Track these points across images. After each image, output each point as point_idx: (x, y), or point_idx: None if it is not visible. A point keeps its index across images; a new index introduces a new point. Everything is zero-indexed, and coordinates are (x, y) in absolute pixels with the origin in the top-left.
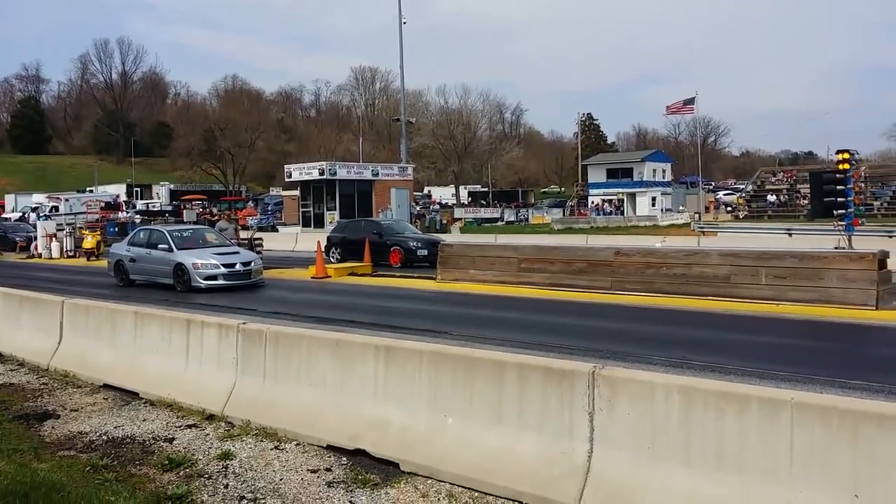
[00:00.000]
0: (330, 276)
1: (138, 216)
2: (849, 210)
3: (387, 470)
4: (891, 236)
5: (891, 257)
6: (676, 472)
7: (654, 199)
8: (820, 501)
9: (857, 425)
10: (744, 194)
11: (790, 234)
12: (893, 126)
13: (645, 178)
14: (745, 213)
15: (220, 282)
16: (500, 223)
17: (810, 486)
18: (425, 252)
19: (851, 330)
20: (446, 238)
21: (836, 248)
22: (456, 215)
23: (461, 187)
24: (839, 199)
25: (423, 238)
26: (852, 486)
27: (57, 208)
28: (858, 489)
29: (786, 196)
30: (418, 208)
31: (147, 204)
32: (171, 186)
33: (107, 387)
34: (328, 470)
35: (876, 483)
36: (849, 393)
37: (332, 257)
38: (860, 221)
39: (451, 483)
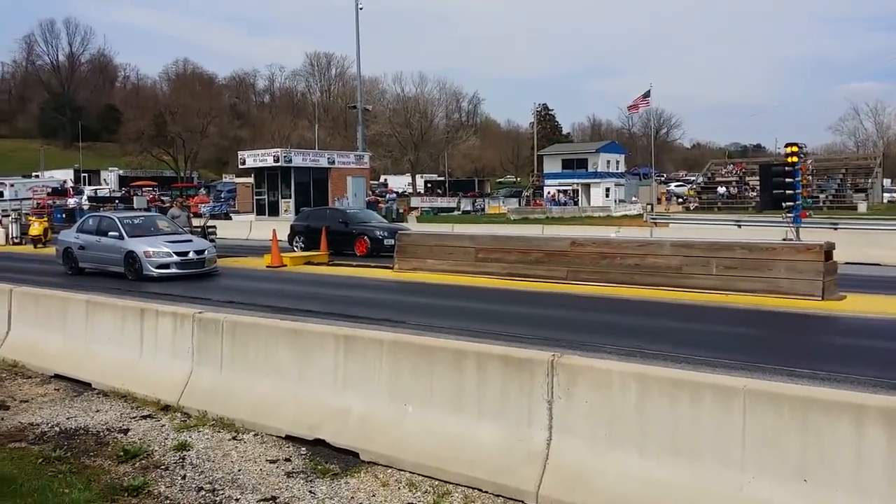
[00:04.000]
0: (286, 266)
1: (87, 202)
2: (797, 202)
3: (347, 459)
4: (836, 228)
5: (836, 249)
6: (632, 458)
7: (607, 189)
8: (771, 486)
9: (806, 412)
10: (695, 186)
11: (739, 226)
12: (839, 120)
13: (599, 169)
14: (696, 204)
15: (173, 270)
16: (456, 213)
17: (762, 471)
18: (392, 241)
19: (798, 319)
20: (409, 227)
21: (784, 239)
22: (412, 204)
23: (418, 176)
24: (787, 192)
25: (389, 227)
26: (801, 470)
27: (1, 194)
28: (807, 474)
29: (735, 188)
30: (370, 196)
31: (95, 190)
32: (121, 172)
33: (58, 377)
34: (287, 460)
35: (824, 468)
36: (796, 381)
37: (296, 246)
38: (808, 213)
39: (410, 472)
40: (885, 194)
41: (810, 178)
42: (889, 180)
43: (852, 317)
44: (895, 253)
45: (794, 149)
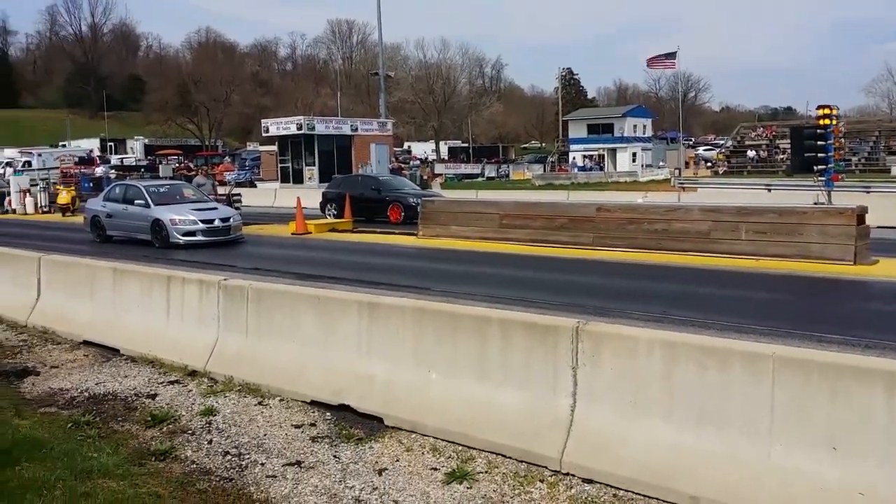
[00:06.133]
0: (310, 233)
1: (113, 171)
2: (829, 165)
3: (371, 424)
4: (868, 191)
5: (869, 212)
6: (658, 425)
7: (634, 154)
8: (800, 454)
9: (836, 379)
10: (723, 150)
11: (769, 190)
12: (872, 81)
13: (626, 134)
14: (725, 168)
15: (199, 238)
16: (480, 179)
17: (790, 438)
18: None
19: (830, 285)
20: (443, 194)
21: (815, 203)
22: (436, 171)
23: (441, 143)
24: (819, 155)
25: (423, 194)
26: (831, 438)
27: (30, 163)
28: (837, 442)
29: (765, 151)
30: (394, 163)
31: (121, 159)
32: (146, 141)
33: (87, 343)
34: (312, 425)
35: (854, 436)
36: (826, 347)
37: (329, 213)
38: (840, 177)
39: (434, 437)
40: None
41: (842, 140)
42: None
43: (885, 282)
44: None
45: (827, 111)
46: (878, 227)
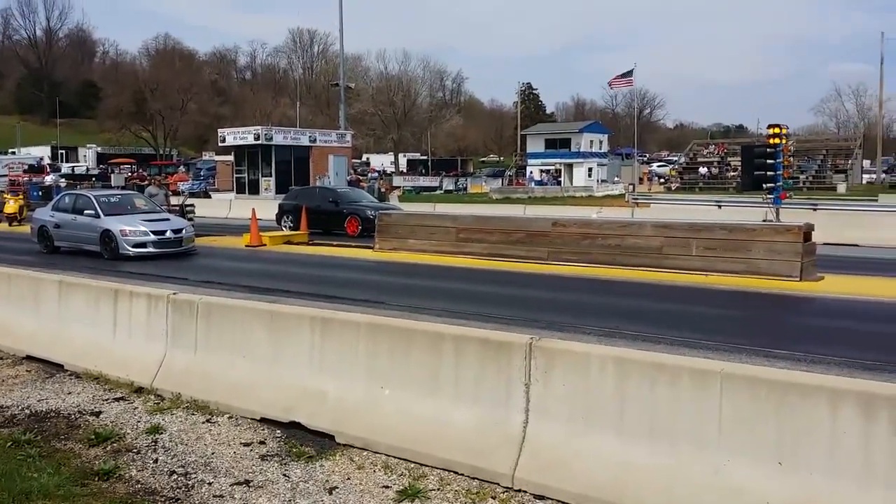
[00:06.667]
0: (265, 245)
1: (63, 180)
2: (778, 184)
3: (322, 442)
4: (815, 209)
5: (815, 230)
6: (610, 440)
7: (590, 169)
8: (747, 469)
9: (783, 396)
10: (676, 166)
11: (720, 206)
12: (821, 101)
13: (582, 149)
14: (678, 184)
15: (150, 249)
16: (438, 192)
17: (738, 453)
18: None
19: (776, 300)
20: (402, 207)
21: (764, 220)
22: (395, 184)
23: (400, 155)
24: (769, 173)
25: (380, 206)
26: (777, 453)
27: None
28: (783, 457)
29: (717, 168)
30: (352, 175)
31: (73, 167)
32: (99, 149)
33: (30, 358)
34: (262, 443)
35: (799, 451)
36: (774, 362)
37: (285, 225)
38: (788, 195)
39: (386, 454)
40: (865, 175)
41: (791, 159)
42: (868, 161)
43: (829, 298)
44: (873, 234)
45: (777, 130)
46: (824, 244)
